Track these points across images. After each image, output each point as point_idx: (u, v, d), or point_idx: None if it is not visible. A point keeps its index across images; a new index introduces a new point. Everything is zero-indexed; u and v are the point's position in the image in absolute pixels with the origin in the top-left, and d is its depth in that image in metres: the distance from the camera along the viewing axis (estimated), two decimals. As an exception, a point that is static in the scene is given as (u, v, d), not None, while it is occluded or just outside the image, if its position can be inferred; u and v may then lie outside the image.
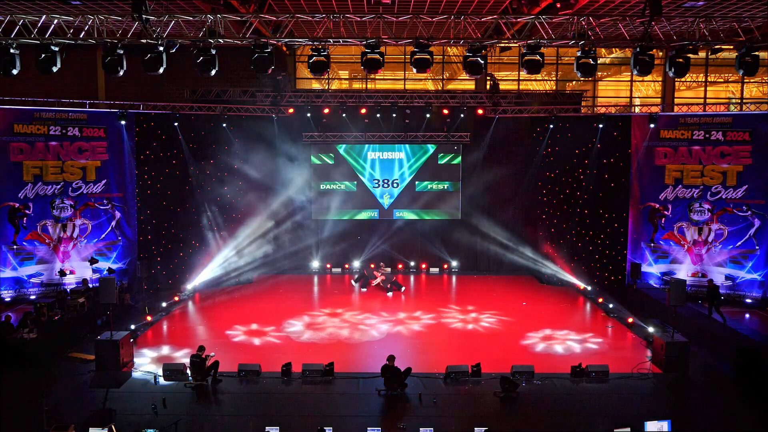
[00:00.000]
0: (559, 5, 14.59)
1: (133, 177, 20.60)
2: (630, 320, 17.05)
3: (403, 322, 17.33)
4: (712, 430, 11.37)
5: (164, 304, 18.37)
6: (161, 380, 12.96)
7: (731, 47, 13.09)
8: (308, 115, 21.25)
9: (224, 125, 21.13)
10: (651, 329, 15.42)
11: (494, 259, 23.46)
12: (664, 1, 14.13)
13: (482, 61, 12.74)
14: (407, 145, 22.93)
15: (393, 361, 12.59)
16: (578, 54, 12.59)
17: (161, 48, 12.22)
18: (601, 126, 20.73)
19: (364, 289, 20.44)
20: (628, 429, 10.07)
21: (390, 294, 19.95)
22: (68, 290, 18.17)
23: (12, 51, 12.16)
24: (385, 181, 23.24)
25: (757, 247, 19.24)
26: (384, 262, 22.67)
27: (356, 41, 12.96)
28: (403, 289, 20.28)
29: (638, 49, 12.28)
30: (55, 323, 15.49)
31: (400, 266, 23.36)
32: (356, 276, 21.30)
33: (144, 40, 12.16)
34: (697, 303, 18.05)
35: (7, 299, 18.74)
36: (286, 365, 13.26)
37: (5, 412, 11.26)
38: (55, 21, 12.67)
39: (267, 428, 10.17)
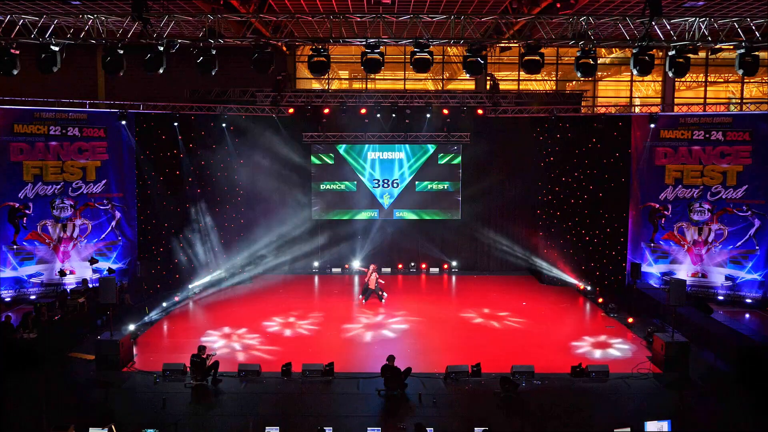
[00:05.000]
0: (559, 5, 14.60)
1: (133, 177, 20.60)
2: (630, 320, 17.05)
3: (404, 322, 17.33)
4: (712, 430, 11.37)
5: (164, 304, 18.37)
6: (161, 380, 12.96)
7: (731, 47, 13.09)
8: (308, 115, 21.25)
9: (224, 125, 21.12)
10: (651, 329, 15.42)
11: (494, 259, 23.48)
12: (664, 1, 14.13)
13: (482, 61, 12.73)
14: (407, 145, 22.92)
15: (393, 361, 12.59)
16: (578, 54, 12.60)
17: (161, 48, 12.22)
18: (601, 126, 20.71)
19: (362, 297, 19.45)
20: (628, 429, 10.06)
21: (383, 300, 19.16)
22: (68, 290, 18.15)
23: (12, 51, 12.16)
24: (385, 181, 23.23)
25: (757, 247, 19.24)
26: (384, 262, 22.65)
27: (356, 41, 12.96)
28: (384, 297, 19.23)
29: (638, 49, 12.28)
30: (55, 323, 15.49)
31: (399, 266, 23.37)
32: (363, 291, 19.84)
33: (144, 40, 12.16)
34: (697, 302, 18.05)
35: (7, 299, 18.73)
36: (286, 365, 13.26)
37: (5, 412, 11.25)
38: (55, 21, 12.67)
39: (267, 428, 10.16)
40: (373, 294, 19.23)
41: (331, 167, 23.06)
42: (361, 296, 19.42)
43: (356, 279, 22.33)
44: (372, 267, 19.61)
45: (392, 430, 10.86)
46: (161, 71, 12.39)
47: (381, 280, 19.61)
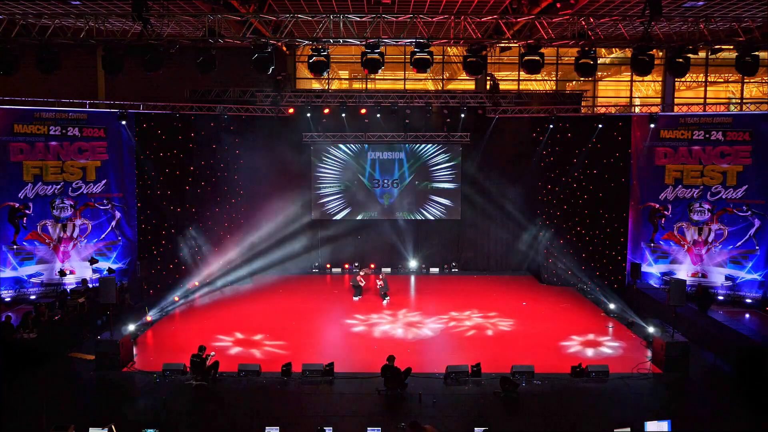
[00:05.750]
0: (559, 5, 14.59)
1: (133, 177, 20.59)
2: (630, 320, 17.05)
3: (404, 322, 17.34)
4: (712, 430, 11.37)
5: (164, 304, 18.36)
6: (161, 380, 12.96)
7: (731, 47, 13.10)
8: (308, 115, 21.25)
9: (224, 125, 21.11)
10: (651, 329, 15.42)
11: (494, 259, 23.49)
12: (664, 1, 14.14)
13: (482, 61, 12.75)
14: (407, 145, 22.92)
15: (393, 361, 12.59)
16: (578, 54, 12.60)
17: (161, 48, 12.23)
18: (601, 126, 20.71)
19: (357, 298, 19.67)
20: (628, 429, 10.06)
21: (385, 302, 19.14)
22: (68, 290, 18.16)
23: (12, 51, 12.17)
24: (385, 181, 23.23)
25: (757, 247, 19.24)
26: (383, 262, 22.67)
27: (356, 41, 12.97)
28: (385, 301, 19.29)
29: (638, 49, 12.29)
30: (55, 323, 15.49)
31: (399, 266, 23.37)
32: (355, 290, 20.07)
33: (144, 41, 12.17)
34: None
35: (7, 299, 18.73)
36: (286, 365, 13.26)
37: (5, 412, 11.26)
38: (55, 21, 12.67)
39: (267, 428, 10.15)
40: (379, 293, 19.28)
41: (331, 167, 23.06)
42: (358, 297, 19.57)
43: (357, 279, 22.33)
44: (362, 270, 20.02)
45: (392, 431, 10.85)
46: (161, 71, 12.40)
47: (377, 280, 19.76)
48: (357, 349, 15.34)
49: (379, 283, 19.60)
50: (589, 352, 15.01)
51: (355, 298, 19.56)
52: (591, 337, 16.05)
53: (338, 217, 23.34)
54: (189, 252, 21.03)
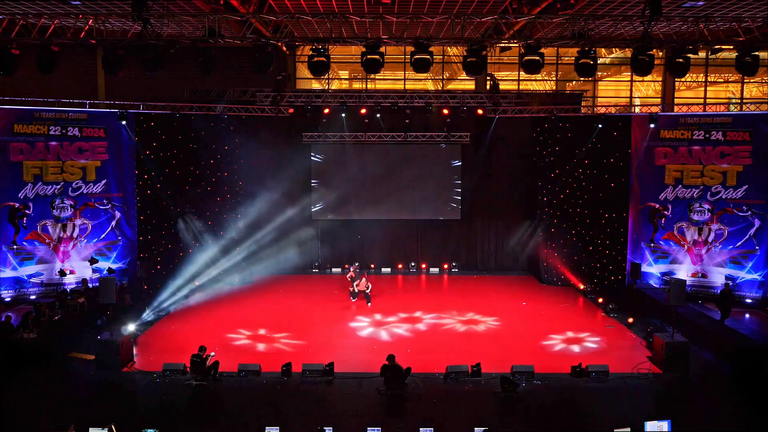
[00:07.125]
0: (559, 5, 14.61)
1: (133, 177, 20.58)
2: (630, 320, 17.05)
3: (404, 322, 17.33)
4: (712, 430, 11.37)
5: (164, 304, 18.34)
6: (161, 380, 12.96)
7: (731, 47, 13.11)
8: (308, 115, 21.24)
9: (224, 125, 21.11)
10: (651, 329, 15.41)
11: (494, 259, 23.49)
12: (664, 1, 14.14)
13: (482, 61, 12.75)
14: (407, 145, 22.92)
15: (393, 361, 12.59)
16: (578, 54, 12.61)
17: (161, 48, 12.24)
18: (601, 126, 20.70)
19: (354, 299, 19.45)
20: (628, 429, 10.06)
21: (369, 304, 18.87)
22: (68, 290, 18.15)
23: (12, 51, 12.17)
24: (385, 181, 23.21)
25: (757, 248, 19.23)
26: (384, 262, 22.62)
27: (356, 41, 12.97)
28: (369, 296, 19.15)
29: (638, 49, 12.30)
30: (55, 323, 15.49)
31: (399, 266, 23.37)
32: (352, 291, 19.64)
33: (144, 41, 12.17)
34: (697, 303, 18.08)
35: (7, 299, 18.72)
36: (286, 365, 13.26)
37: (5, 412, 11.26)
38: (55, 21, 12.68)
39: (267, 428, 10.15)
40: (360, 295, 19.12)
41: (331, 167, 23.06)
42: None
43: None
44: (354, 267, 20.06)
45: (392, 430, 10.86)
46: (161, 71, 12.41)
47: (369, 283, 19.37)
48: (357, 349, 15.33)
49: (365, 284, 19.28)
50: (589, 351, 15.01)
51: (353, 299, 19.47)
52: (591, 337, 16.05)
53: (338, 217, 23.33)
54: (189, 251, 21.02)
